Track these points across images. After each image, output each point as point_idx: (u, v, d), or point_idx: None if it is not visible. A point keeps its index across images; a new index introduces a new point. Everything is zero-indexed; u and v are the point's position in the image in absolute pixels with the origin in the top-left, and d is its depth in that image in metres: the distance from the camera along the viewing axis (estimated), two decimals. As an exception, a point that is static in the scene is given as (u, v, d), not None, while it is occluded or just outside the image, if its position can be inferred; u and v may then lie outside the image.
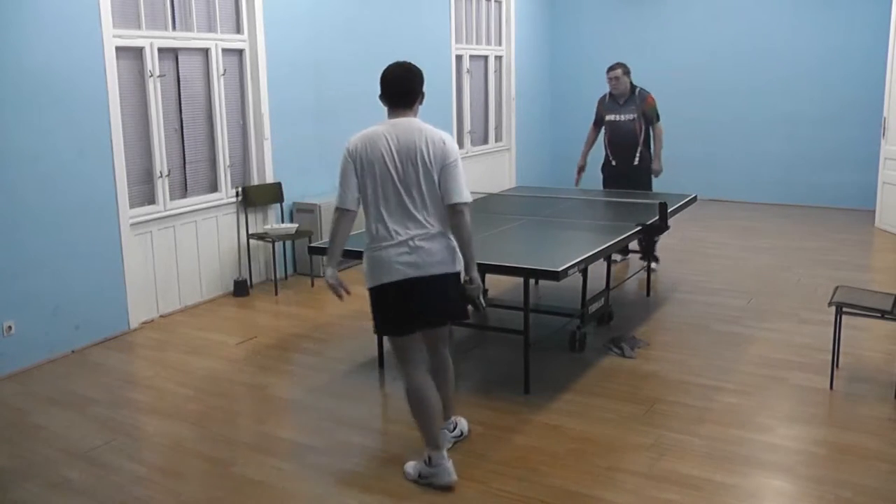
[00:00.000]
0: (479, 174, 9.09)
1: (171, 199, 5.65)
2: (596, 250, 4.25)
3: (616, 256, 6.56)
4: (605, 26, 10.25)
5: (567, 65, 10.56)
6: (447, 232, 3.16)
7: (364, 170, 3.11)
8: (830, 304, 4.09)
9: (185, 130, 5.78)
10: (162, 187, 5.56)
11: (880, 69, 8.05)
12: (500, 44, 9.55)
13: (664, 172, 6.46)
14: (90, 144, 4.94)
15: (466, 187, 3.13)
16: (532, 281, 5.00)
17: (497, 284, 5.68)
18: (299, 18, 6.44)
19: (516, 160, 9.92)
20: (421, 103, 3.25)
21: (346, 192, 3.14)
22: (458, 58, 8.66)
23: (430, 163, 3.08)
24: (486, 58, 9.32)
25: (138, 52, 5.33)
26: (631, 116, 6.35)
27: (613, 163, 6.49)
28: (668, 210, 5.08)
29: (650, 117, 6.33)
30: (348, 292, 3.20)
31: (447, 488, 3.17)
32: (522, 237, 4.88)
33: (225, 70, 5.98)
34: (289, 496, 3.23)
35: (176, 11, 5.59)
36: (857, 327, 4.67)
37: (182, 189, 5.80)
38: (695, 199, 6.00)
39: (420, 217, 3.10)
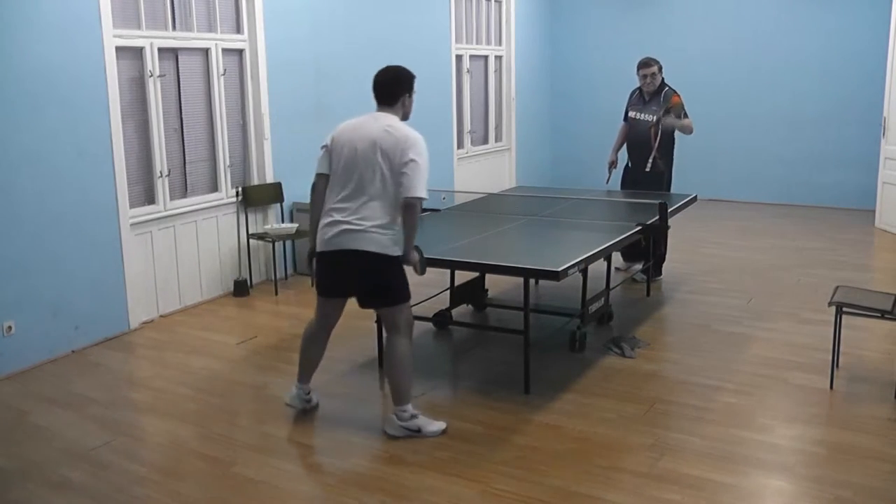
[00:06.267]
0: (479, 174, 9.11)
1: (171, 199, 5.65)
2: (596, 250, 4.25)
3: (622, 265, 6.52)
4: (606, 26, 10.24)
5: (567, 65, 10.56)
6: (386, 221, 3.50)
7: (334, 150, 3.57)
8: (830, 304, 4.09)
9: (185, 130, 5.78)
10: (162, 187, 5.56)
11: (880, 69, 8.05)
12: (500, 44, 9.54)
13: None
14: (90, 144, 4.94)
15: (422, 185, 3.44)
16: (532, 281, 5.01)
17: (497, 284, 5.68)
18: (299, 18, 6.44)
19: (516, 160, 9.92)
20: (405, 104, 3.63)
21: (320, 163, 3.64)
22: (458, 58, 8.66)
23: (386, 156, 3.44)
24: (486, 58, 9.31)
25: (138, 52, 5.33)
26: (650, 118, 6.00)
27: (629, 165, 6.27)
28: (668, 210, 5.09)
29: (678, 114, 5.97)
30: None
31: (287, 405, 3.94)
32: (522, 237, 4.88)
33: (225, 70, 5.98)
34: (289, 496, 3.23)
35: (176, 11, 5.59)
36: (857, 327, 4.67)
37: (182, 189, 5.80)
38: (695, 199, 6.00)
39: (360, 201, 3.47)
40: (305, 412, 3.93)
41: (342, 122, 3.64)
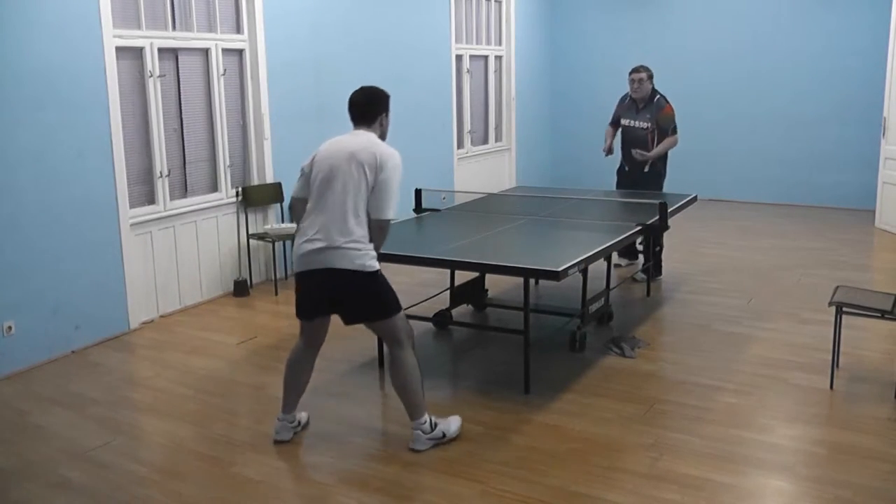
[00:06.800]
0: (479, 174, 9.11)
1: (171, 199, 5.65)
2: (596, 250, 4.25)
3: (621, 261, 6.55)
4: (606, 26, 10.24)
5: (567, 65, 10.56)
6: (360, 235, 3.39)
7: (313, 169, 3.50)
8: (830, 304, 4.09)
9: (185, 130, 5.78)
10: (162, 187, 5.56)
11: (880, 69, 8.05)
12: (500, 44, 9.54)
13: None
14: (90, 144, 4.94)
15: (392, 206, 3.41)
16: (532, 281, 5.01)
17: (497, 284, 5.68)
18: (299, 18, 6.44)
19: (516, 160, 9.92)
20: (383, 124, 3.58)
21: (298, 185, 3.60)
22: (458, 58, 8.65)
23: (362, 170, 3.37)
24: (486, 58, 9.31)
25: (138, 52, 5.33)
26: (645, 125, 6.09)
27: (626, 168, 6.30)
28: (668, 210, 5.09)
29: (664, 128, 6.04)
30: None
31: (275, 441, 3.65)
32: (522, 237, 4.88)
33: (225, 70, 5.98)
34: (289, 496, 3.23)
35: (176, 11, 5.59)
36: (857, 327, 4.67)
37: (182, 189, 5.80)
38: (695, 199, 6.00)
39: (333, 216, 3.38)
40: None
41: (325, 142, 3.56)
